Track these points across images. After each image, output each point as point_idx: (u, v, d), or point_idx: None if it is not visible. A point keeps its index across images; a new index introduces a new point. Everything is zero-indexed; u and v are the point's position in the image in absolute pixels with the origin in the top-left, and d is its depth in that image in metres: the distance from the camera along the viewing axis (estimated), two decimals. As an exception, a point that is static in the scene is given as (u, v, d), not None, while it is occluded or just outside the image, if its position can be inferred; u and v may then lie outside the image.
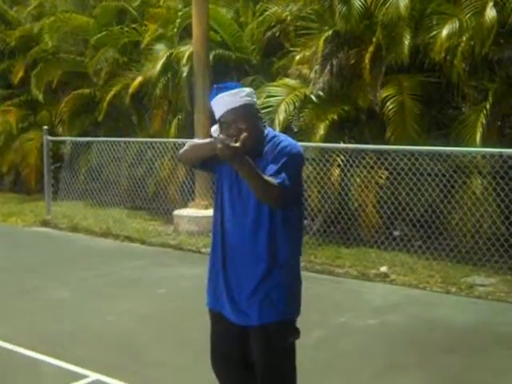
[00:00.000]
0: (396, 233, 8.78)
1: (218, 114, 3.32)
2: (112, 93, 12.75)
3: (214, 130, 3.41)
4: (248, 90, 3.37)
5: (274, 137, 3.36)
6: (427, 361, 5.27)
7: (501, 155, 7.54)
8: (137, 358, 5.38)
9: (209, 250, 3.56)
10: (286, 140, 3.33)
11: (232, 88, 3.32)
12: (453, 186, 8.12)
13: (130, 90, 12.36)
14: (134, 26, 13.19)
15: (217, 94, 3.32)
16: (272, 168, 3.18)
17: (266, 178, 3.10)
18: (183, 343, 5.71)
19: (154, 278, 7.95)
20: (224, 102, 3.28)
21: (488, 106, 8.29)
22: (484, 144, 8.01)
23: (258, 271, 3.30)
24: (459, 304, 6.96)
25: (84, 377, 4.99)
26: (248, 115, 3.27)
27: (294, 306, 3.42)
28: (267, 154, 3.28)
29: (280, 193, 3.12)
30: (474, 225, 8.05)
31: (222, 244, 3.40)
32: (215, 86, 3.38)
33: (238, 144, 2.94)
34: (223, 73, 11.73)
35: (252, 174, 3.04)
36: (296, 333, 3.42)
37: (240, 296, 3.33)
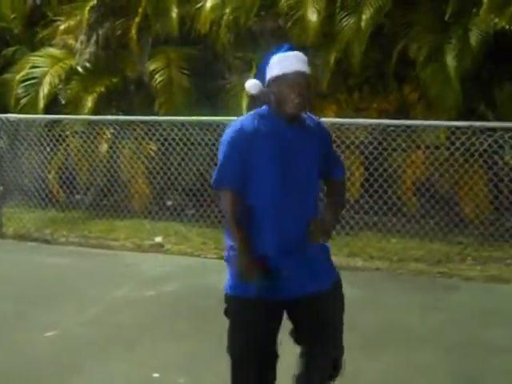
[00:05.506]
0: (169, 203, 8.88)
1: (281, 69, 3.18)
2: None
3: (251, 85, 3.28)
4: None
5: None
6: (206, 327, 5.37)
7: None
8: None
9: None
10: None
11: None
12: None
13: None
14: None
15: (288, 51, 3.25)
16: (331, 157, 3.45)
17: (334, 204, 3.45)
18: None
19: None
20: (298, 60, 3.23)
21: (253, 76, 8.60)
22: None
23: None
24: (232, 269, 7.19)
25: None
26: (310, 85, 3.26)
27: None
28: (309, 126, 3.34)
29: (344, 184, 3.61)
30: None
31: (273, 221, 3.24)
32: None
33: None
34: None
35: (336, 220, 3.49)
36: None
37: (306, 265, 3.30)
